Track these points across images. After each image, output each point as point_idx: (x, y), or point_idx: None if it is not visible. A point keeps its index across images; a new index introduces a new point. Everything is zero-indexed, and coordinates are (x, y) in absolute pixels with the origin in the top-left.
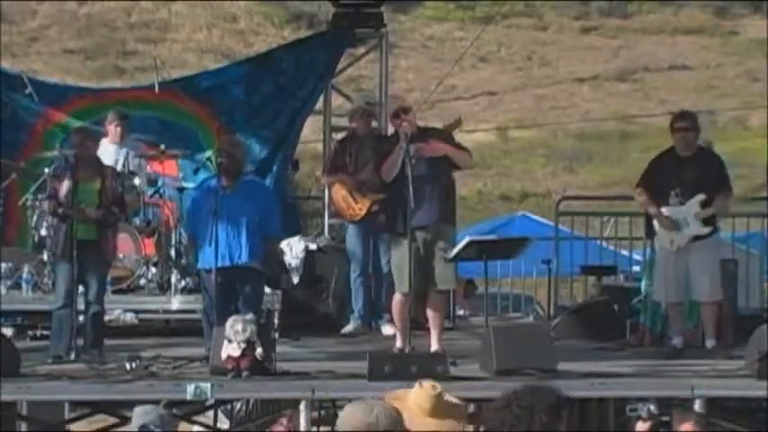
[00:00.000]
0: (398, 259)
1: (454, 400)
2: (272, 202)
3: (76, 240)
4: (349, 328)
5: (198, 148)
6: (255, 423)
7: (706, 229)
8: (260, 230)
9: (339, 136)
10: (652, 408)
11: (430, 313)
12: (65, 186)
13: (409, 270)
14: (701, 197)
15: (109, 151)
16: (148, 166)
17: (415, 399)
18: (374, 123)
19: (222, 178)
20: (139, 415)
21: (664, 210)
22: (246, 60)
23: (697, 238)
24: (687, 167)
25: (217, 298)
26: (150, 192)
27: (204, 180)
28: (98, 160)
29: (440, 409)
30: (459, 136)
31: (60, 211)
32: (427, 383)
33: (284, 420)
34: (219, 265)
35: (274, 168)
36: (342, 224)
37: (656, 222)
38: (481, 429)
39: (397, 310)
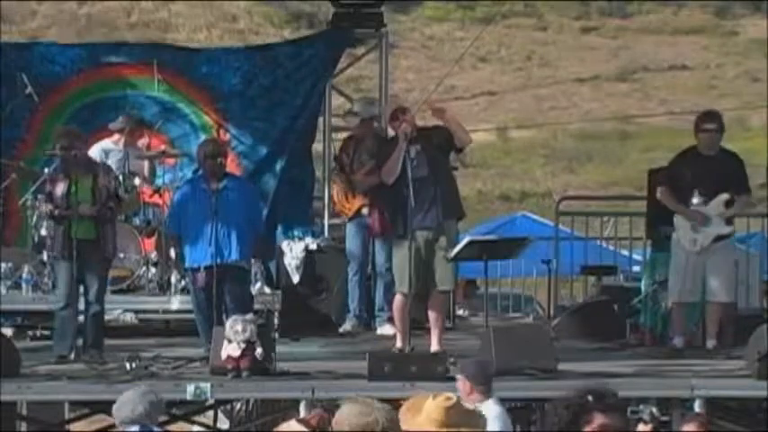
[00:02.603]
0: (399, 260)
1: (470, 408)
2: (256, 202)
3: (76, 240)
4: (346, 327)
5: (194, 133)
6: (255, 423)
7: (728, 229)
8: (247, 229)
9: (339, 136)
10: (654, 410)
11: (431, 314)
12: (59, 188)
13: (410, 271)
14: (725, 197)
15: (112, 152)
16: (148, 165)
17: (427, 411)
18: (375, 124)
19: (212, 179)
20: (129, 404)
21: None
22: (246, 48)
23: (719, 237)
24: (709, 167)
25: (207, 296)
26: (154, 186)
27: (191, 179)
28: (89, 159)
29: (454, 419)
30: None
31: (57, 212)
32: (442, 395)
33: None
34: (209, 263)
35: (278, 168)
36: (342, 224)
37: (677, 223)
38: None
39: (398, 311)
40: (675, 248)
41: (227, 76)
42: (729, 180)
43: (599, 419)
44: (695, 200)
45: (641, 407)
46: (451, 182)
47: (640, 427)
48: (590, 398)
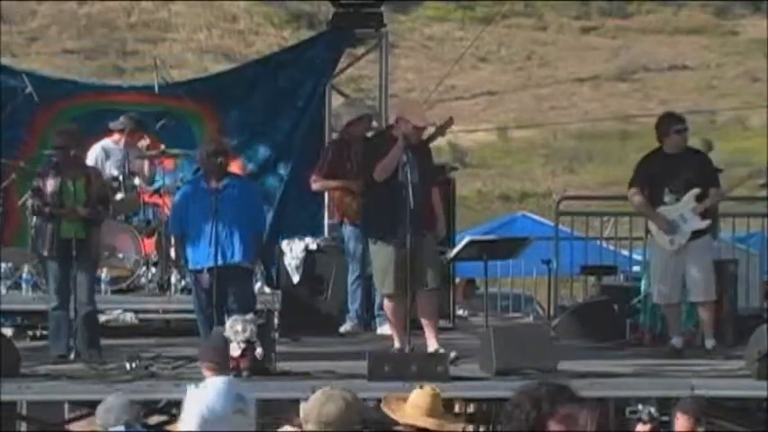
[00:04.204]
0: (381, 262)
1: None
2: (258, 201)
3: (64, 240)
4: (346, 327)
5: (193, 143)
6: (255, 423)
7: (704, 223)
8: (250, 229)
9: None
10: (652, 410)
11: (422, 315)
12: (50, 185)
13: (397, 272)
14: (695, 191)
15: (113, 151)
16: (147, 165)
17: (414, 399)
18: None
19: (214, 179)
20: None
21: (660, 210)
22: (248, 63)
23: (696, 233)
24: (677, 166)
25: (210, 297)
26: (152, 188)
27: (192, 179)
28: (82, 160)
29: (437, 409)
30: (459, 136)
31: (47, 209)
32: (428, 386)
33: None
34: (212, 264)
35: (283, 172)
36: (340, 225)
37: (651, 224)
38: (481, 429)
39: (390, 311)
40: (652, 249)
41: (227, 89)
42: (700, 176)
43: (564, 410)
44: (667, 198)
45: (640, 407)
46: (443, 191)
47: (639, 427)
48: (547, 390)
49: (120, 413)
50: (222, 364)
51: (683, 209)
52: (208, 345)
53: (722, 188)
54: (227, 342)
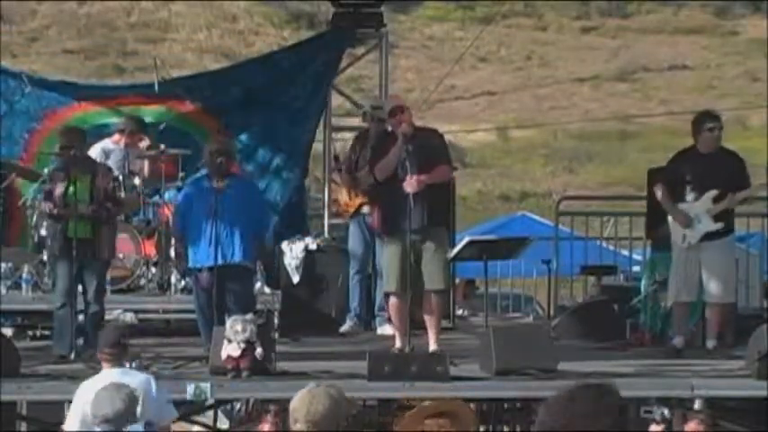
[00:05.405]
0: (386, 259)
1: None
2: (261, 201)
3: (71, 239)
4: (346, 327)
5: (198, 151)
6: (255, 423)
7: (716, 226)
8: (251, 229)
9: (339, 136)
10: (666, 412)
11: (425, 315)
12: (59, 187)
13: (401, 270)
14: (713, 193)
15: (113, 151)
16: (147, 165)
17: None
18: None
19: (216, 178)
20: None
21: (679, 206)
22: (247, 61)
23: (708, 234)
24: (709, 165)
25: (210, 296)
26: (150, 192)
27: (196, 178)
28: (89, 158)
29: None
30: (458, 136)
31: (55, 211)
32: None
33: (270, 417)
34: (212, 263)
35: (284, 174)
36: (344, 223)
37: (670, 219)
38: (481, 429)
39: (394, 311)
40: (674, 246)
41: (227, 90)
42: (731, 179)
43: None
44: (688, 196)
45: (655, 408)
46: (444, 188)
47: (653, 427)
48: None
49: (114, 400)
50: (117, 353)
51: (699, 209)
52: (103, 335)
53: (739, 193)
54: (123, 333)
